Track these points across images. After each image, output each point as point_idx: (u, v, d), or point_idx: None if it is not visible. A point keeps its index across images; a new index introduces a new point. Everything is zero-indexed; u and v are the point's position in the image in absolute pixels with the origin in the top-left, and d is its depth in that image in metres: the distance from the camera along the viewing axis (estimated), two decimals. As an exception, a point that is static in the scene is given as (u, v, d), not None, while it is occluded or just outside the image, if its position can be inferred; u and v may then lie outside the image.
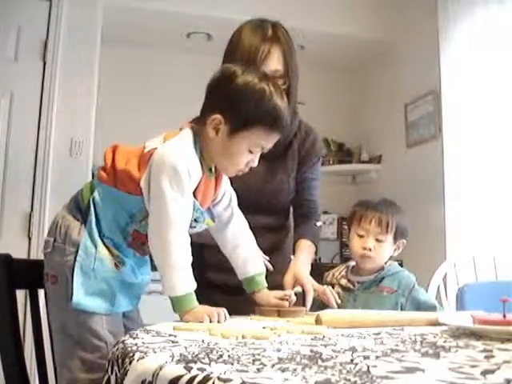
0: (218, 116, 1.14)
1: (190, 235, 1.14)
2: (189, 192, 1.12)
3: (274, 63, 1.40)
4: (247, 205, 1.35)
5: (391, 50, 3.57)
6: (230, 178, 1.31)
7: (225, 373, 0.62)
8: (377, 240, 1.47)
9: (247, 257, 1.32)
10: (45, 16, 2.79)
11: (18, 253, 1.24)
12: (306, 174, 1.57)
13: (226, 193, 1.31)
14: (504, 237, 2.58)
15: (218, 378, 0.60)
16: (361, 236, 1.49)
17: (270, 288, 1.33)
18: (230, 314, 1.14)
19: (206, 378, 0.61)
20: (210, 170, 1.21)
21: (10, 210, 2.64)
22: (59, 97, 2.75)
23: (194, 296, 1.11)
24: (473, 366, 0.67)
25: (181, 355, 0.73)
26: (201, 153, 1.17)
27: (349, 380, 0.59)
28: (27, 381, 1.17)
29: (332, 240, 3.79)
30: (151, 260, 1.18)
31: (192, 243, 1.13)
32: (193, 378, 0.62)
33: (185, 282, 1.10)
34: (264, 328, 1.01)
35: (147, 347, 0.79)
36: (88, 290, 1.12)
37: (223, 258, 1.34)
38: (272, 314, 1.25)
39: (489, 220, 2.68)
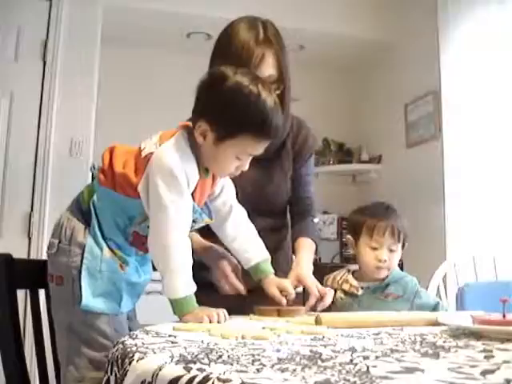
0: (203, 124, 1.12)
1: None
2: (187, 194, 1.12)
3: (268, 68, 1.38)
4: (247, 208, 1.36)
5: (391, 50, 3.57)
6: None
7: (224, 373, 0.62)
8: (390, 250, 1.45)
9: (248, 246, 1.32)
10: (45, 16, 2.79)
11: (18, 253, 1.25)
12: (301, 171, 1.56)
13: (224, 188, 1.31)
14: (504, 237, 2.59)
15: (218, 379, 0.60)
16: (374, 248, 1.45)
17: None
18: (229, 315, 1.14)
19: (206, 379, 0.61)
20: (206, 169, 1.20)
21: (9, 210, 2.64)
22: (59, 97, 2.75)
23: (194, 298, 1.11)
24: (472, 366, 0.67)
25: (180, 356, 0.73)
26: (196, 154, 1.16)
27: (348, 380, 0.59)
28: (27, 380, 1.17)
29: (332, 240, 3.79)
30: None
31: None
32: (192, 379, 0.62)
33: (185, 285, 1.10)
34: (264, 328, 1.01)
35: (147, 348, 0.79)
36: (95, 291, 1.13)
37: None
38: (272, 314, 1.25)
39: (489, 220, 2.68)
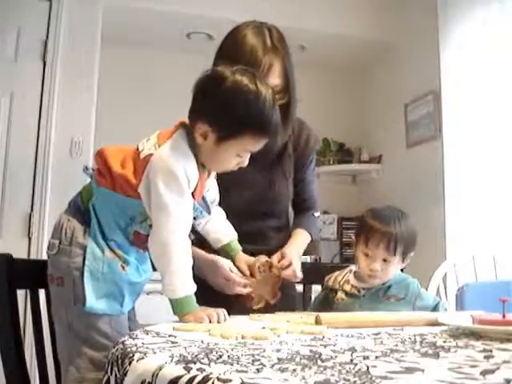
0: (204, 125, 1.12)
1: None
2: (188, 195, 1.13)
3: (275, 78, 1.37)
4: (250, 213, 1.37)
5: (391, 50, 3.57)
6: (229, 193, 1.34)
7: (224, 373, 0.63)
8: (384, 260, 1.42)
9: (219, 227, 1.35)
10: (45, 16, 2.79)
11: (18, 253, 1.25)
12: (303, 172, 1.57)
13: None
14: (504, 237, 2.59)
15: (218, 379, 0.60)
16: (367, 255, 1.43)
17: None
18: (229, 315, 1.14)
19: (206, 379, 0.61)
20: (202, 164, 1.20)
21: (9, 210, 2.64)
22: (59, 97, 2.75)
23: (194, 298, 1.11)
24: (472, 366, 0.67)
25: (180, 356, 0.74)
26: (194, 152, 1.16)
27: (348, 380, 0.60)
28: (27, 380, 1.17)
29: (332, 240, 3.79)
30: (151, 259, 1.19)
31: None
32: (192, 379, 0.62)
33: (185, 285, 1.10)
34: (263, 328, 1.01)
35: (147, 348, 0.80)
36: (98, 292, 1.14)
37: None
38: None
39: (489, 220, 2.68)
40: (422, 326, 1.10)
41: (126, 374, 0.74)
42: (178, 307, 1.10)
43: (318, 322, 1.09)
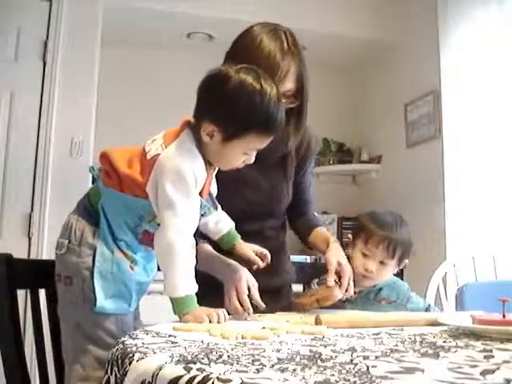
0: (210, 125, 1.12)
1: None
2: (195, 195, 1.13)
3: (290, 83, 1.36)
4: (251, 213, 1.37)
5: (391, 50, 3.57)
6: (231, 193, 1.33)
7: (224, 373, 0.63)
8: (381, 262, 1.43)
9: (218, 218, 1.32)
10: (45, 16, 2.79)
11: (18, 253, 1.25)
12: (303, 173, 1.57)
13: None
14: (504, 237, 2.59)
15: (218, 379, 0.60)
16: (365, 255, 1.44)
17: (280, 288, 1.36)
18: (229, 315, 1.14)
19: (206, 379, 0.61)
20: (209, 161, 1.20)
21: (9, 210, 2.64)
22: (59, 97, 2.75)
23: (195, 298, 1.11)
24: (472, 366, 0.67)
25: (180, 356, 0.74)
26: (201, 150, 1.16)
27: (348, 380, 0.60)
28: (28, 380, 1.17)
29: (332, 240, 3.78)
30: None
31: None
32: (192, 379, 0.62)
33: (186, 284, 1.10)
34: (263, 328, 1.02)
35: (147, 348, 0.80)
36: (108, 292, 1.15)
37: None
38: (311, 304, 1.27)
39: (489, 220, 2.68)
40: (422, 326, 1.10)
41: (125, 374, 0.74)
42: (178, 306, 1.11)
43: (317, 322, 1.09)
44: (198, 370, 0.64)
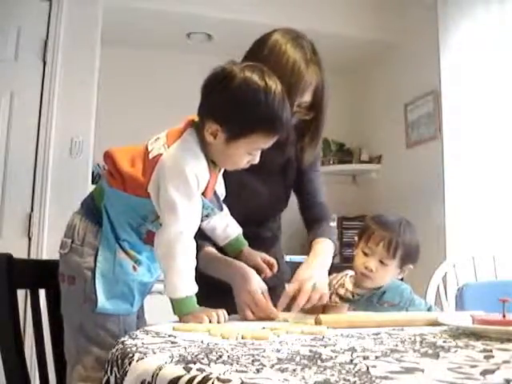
0: (214, 125, 1.10)
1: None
2: (197, 196, 1.12)
3: (308, 94, 1.34)
4: (250, 220, 1.37)
5: (391, 50, 3.57)
6: (230, 201, 1.31)
7: (224, 373, 0.63)
8: (381, 262, 1.41)
9: (226, 223, 1.31)
10: (45, 16, 2.79)
11: (18, 253, 1.25)
12: (310, 178, 1.55)
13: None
14: (504, 237, 2.58)
15: (218, 379, 0.60)
16: (366, 254, 1.43)
17: (275, 287, 1.34)
18: (228, 315, 1.14)
19: (206, 379, 0.61)
20: (213, 161, 1.19)
21: (10, 210, 2.64)
22: (59, 97, 2.75)
23: (195, 299, 1.11)
24: (472, 366, 0.67)
25: (180, 356, 0.73)
26: (205, 150, 1.15)
27: (348, 380, 0.60)
28: (28, 380, 1.17)
29: (332, 240, 3.78)
30: None
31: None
32: (192, 379, 0.62)
33: (186, 285, 1.10)
34: (263, 328, 1.01)
35: (147, 348, 0.80)
36: (109, 293, 1.15)
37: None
38: (317, 311, 1.25)
39: (489, 220, 2.68)
40: (422, 326, 1.10)
41: (125, 374, 0.74)
42: (178, 307, 1.11)
43: (317, 322, 1.09)
44: (197, 370, 0.64)
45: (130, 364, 0.74)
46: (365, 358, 0.73)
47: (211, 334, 0.94)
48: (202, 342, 0.86)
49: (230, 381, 0.59)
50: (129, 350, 0.79)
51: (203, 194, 1.15)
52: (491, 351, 0.79)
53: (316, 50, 1.36)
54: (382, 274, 1.42)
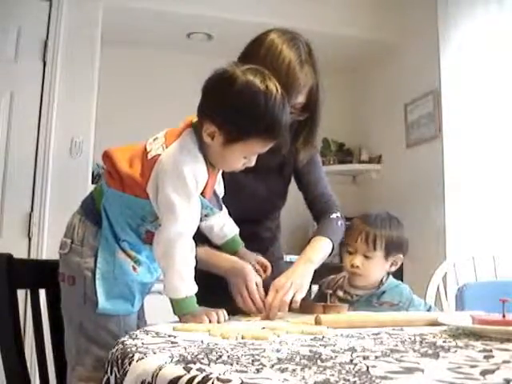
0: (212, 126, 1.10)
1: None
2: (195, 196, 1.12)
3: (303, 96, 1.35)
4: (248, 218, 1.38)
5: (391, 50, 3.57)
6: (228, 201, 1.31)
7: (224, 373, 0.63)
8: (365, 257, 1.44)
9: (224, 222, 1.32)
10: (45, 16, 2.79)
11: (18, 253, 1.25)
12: (309, 172, 1.55)
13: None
14: (504, 237, 2.58)
15: (218, 379, 0.60)
16: (350, 253, 1.46)
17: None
18: (228, 315, 1.14)
19: (206, 379, 0.61)
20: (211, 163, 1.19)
21: (9, 210, 2.64)
22: (59, 97, 2.75)
23: (195, 299, 1.11)
24: (472, 366, 0.67)
25: (180, 356, 0.73)
26: (203, 151, 1.15)
27: (348, 380, 0.60)
28: (28, 380, 1.17)
29: (332, 240, 3.78)
30: None
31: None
32: (192, 379, 0.62)
33: (186, 285, 1.10)
34: (263, 328, 1.02)
35: (147, 348, 0.80)
36: (110, 294, 1.15)
37: None
38: (317, 310, 1.26)
39: (489, 220, 2.68)
40: (422, 326, 1.10)
41: (125, 374, 0.74)
42: (178, 307, 1.11)
43: (317, 322, 1.09)
44: (197, 370, 0.64)
45: (130, 364, 0.74)
46: (365, 357, 0.73)
47: (211, 334, 0.94)
48: (201, 341, 0.86)
49: (230, 381, 0.59)
50: (129, 349, 0.79)
51: (202, 193, 1.15)
52: (491, 351, 0.79)
53: (312, 51, 1.37)
54: (369, 268, 1.44)
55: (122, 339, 0.89)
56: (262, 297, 1.25)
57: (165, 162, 1.10)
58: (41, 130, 2.71)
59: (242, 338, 0.90)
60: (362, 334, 0.97)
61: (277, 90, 1.11)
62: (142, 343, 0.84)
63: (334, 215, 1.47)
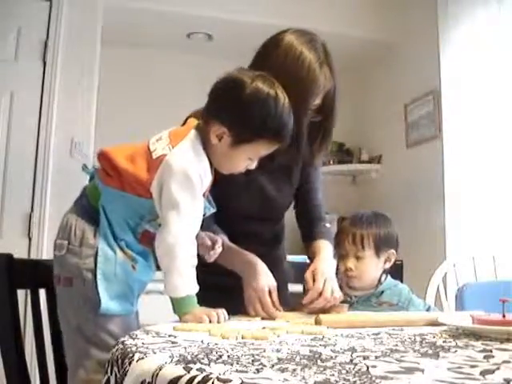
0: (222, 128, 1.13)
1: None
2: (199, 196, 1.13)
3: (320, 97, 1.34)
4: (252, 217, 1.39)
5: (391, 50, 3.57)
6: (237, 198, 1.33)
7: (224, 373, 0.63)
8: (357, 258, 1.44)
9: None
10: (45, 16, 2.79)
11: (18, 253, 1.25)
12: (310, 179, 1.56)
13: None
14: (504, 237, 2.58)
15: (218, 379, 0.60)
16: (342, 256, 1.47)
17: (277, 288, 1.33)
18: (228, 315, 1.14)
19: (206, 379, 0.61)
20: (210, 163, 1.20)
21: (10, 210, 2.64)
22: (59, 97, 2.75)
23: (195, 299, 1.11)
24: (472, 366, 0.67)
25: (180, 356, 0.73)
26: (207, 152, 1.17)
27: (348, 380, 0.60)
28: (28, 380, 1.17)
29: (332, 240, 3.78)
30: (155, 259, 1.19)
31: None
32: (192, 379, 0.62)
33: (187, 284, 1.11)
34: (263, 328, 1.02)
35: (147, 348, 0.80)
36: (111, 294, 1.14)
37: None
38: (317, 311, 1.25)
39: (489, 220, 2.68)
40: (422, 326, 1.10)
41: (126, 374, 0.74)
42: (178, 306, 1.11)
43: (317, 322, 1.09)
44: (197, 370, 0.64)
45: (130, 364, 0.74)
46: (365, 357, 0.73)
47: (211, 334, 0.94)
48: (202, 341, 0.86)
49: (230, 381, 0.59)
50: (129, 350, 0.79)
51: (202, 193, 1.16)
52: (491, 351, 0.79)
53: (328, 53, 1.37)
54: (363, 269, 1.44)
55: (122, 339, 0.89)
56: (276, 302, 1.25)
57: (171, 161, 1.10)
58: (41, 130, 2.71)
59: (242, 337, 0.90)
60: (362, 334, 0.97)
61: (284, 98, 1.16)
62: (142, 343, 0.84)
63: (328, 225, 1.55)
